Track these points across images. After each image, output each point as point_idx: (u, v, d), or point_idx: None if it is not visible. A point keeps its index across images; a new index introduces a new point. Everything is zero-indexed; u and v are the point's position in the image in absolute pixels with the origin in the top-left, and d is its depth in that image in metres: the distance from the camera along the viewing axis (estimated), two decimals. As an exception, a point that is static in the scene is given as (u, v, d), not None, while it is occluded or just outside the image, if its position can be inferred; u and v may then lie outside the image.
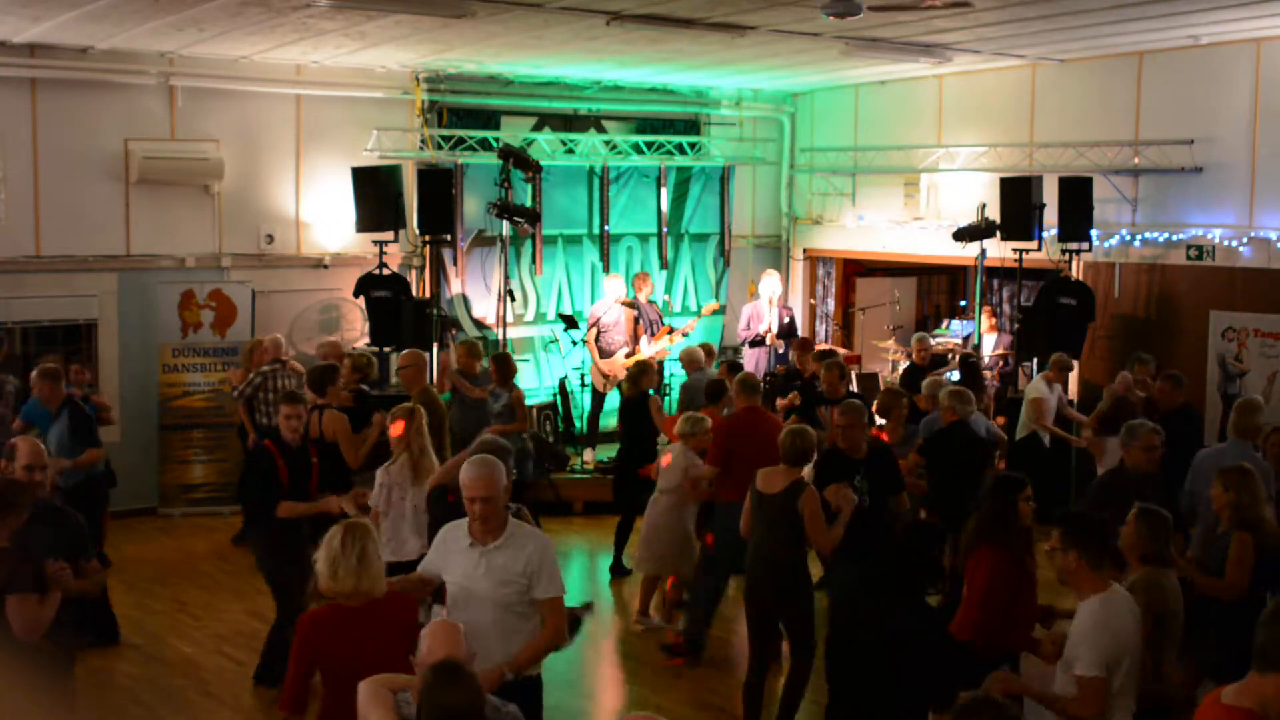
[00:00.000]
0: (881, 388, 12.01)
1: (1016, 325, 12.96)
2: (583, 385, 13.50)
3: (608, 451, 12.54)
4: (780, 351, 13.55)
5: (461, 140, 13.36)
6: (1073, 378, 12.11)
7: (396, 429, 7.64)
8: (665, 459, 9.07)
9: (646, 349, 13.12)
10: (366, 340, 12.74)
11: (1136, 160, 12.16)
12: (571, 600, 5.60)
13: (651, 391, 10.59)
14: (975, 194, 13.24)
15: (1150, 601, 5.19)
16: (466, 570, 5.17)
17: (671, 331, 13.60)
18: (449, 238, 13.17)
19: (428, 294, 13.40)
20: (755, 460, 7.32)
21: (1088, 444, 10.50)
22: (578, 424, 13.72)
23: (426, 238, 13.15)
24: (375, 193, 12.42)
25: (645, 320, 13.49)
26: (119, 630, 8.68)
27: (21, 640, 5.26)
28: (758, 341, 13.62)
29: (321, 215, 13.04)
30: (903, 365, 12.87)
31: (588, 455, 13.05)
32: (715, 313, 14.72)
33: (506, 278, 12.85)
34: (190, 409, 12.17)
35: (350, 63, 12.51)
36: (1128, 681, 4.78)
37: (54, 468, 7.51)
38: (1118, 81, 12.37)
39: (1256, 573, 6.11)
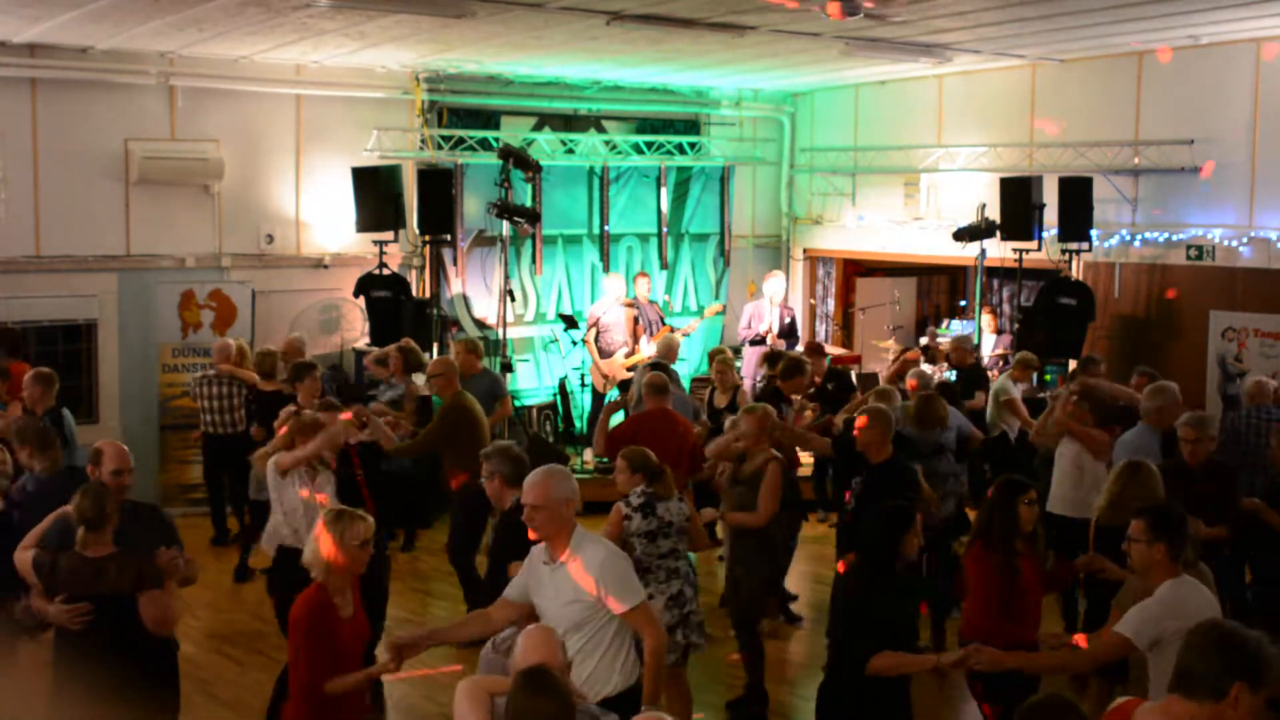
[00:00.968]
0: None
1: (1016, 325, 12.96)
2: (583, 385, 13.50)
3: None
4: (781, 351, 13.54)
5: (461, 140, 13.37)
6: (1072, 378, 12.10)
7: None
8: None
9: (646, 349, 13.12)
10: (366, 340, 12.75)
11: (1136, 160, 12.16)
12: None
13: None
14: (975, 194, 13.24)
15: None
16: (543, 590, 5.00)
17: (673, 331, 13.60)
18: (449, 238, 13.18)
19: (428, 294, 13.41)
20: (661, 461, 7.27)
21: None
22: (578, 424, 13.72)
23: (426, 238, 13.15)
24: (375, 193, 12.42)
25: (645, 320, 13.49)
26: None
27: (156, 634, 5.37)
28: (758, 341, 13.62)
29: (321, 215, 13.05)
30: (944, 372, 12.36)
31: (588, 455, 13.04)
32: (717, 314, 14.73)
33: (506, 278, 12.86)
34: (190, 409, 12.11)
35: (350, 63, 12.51)
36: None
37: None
38: (1118, 81, 12.38)
39: None
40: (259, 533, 10.92)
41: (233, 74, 12.25)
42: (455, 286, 13.53)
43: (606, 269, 14.41)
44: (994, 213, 12.46)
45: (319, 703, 4.78)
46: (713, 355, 11.55)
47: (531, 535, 5.01)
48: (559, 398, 13.86)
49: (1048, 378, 12.50)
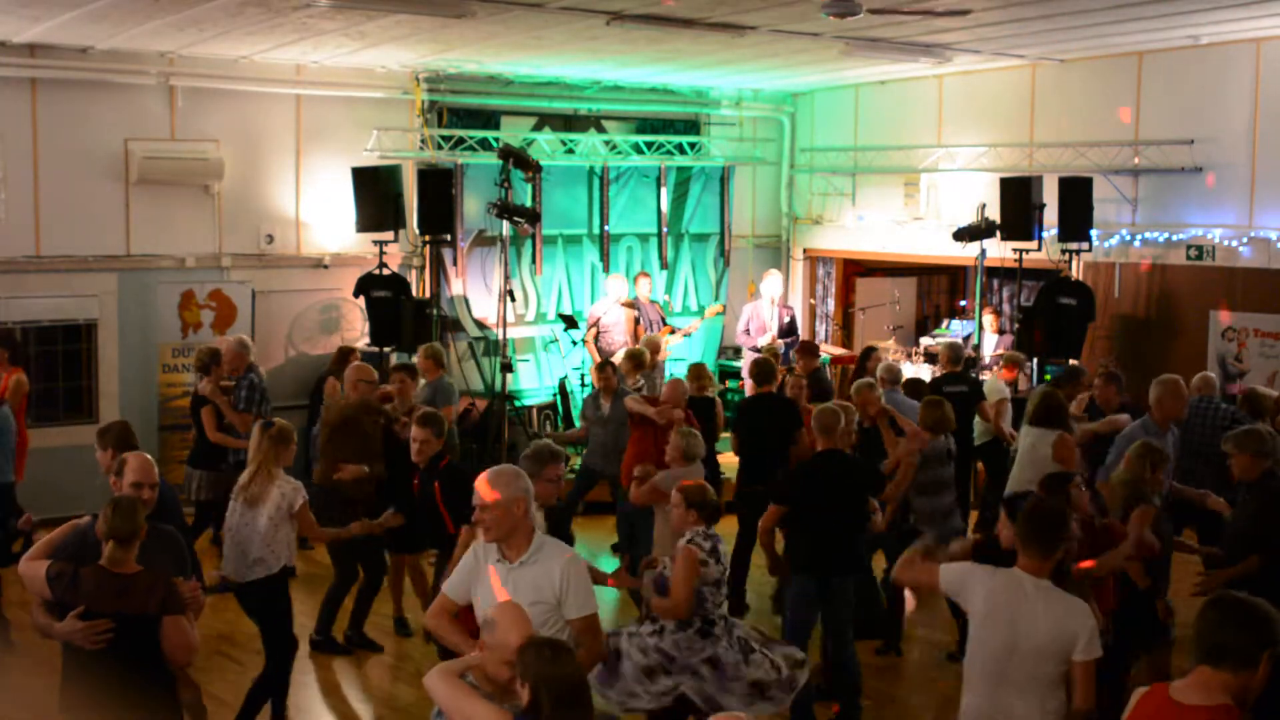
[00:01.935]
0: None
1: (1016, 325, 12.96)
2: (583, 385, 13.50)
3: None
4: (781, 351, 13.52)
5: (461, 140, 13.37)
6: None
7: None
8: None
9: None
10: (366, 341, 12.74)
11: (1136, 160, 12.16)
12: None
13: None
14: (975, 194, 13.24)
15: None
16: (488, 589, 4.89)
17: (673, 332, 13.61)
18: (449, 238, 13.18)
19: (428, 294, 13.41)
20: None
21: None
22: (578, 424, 13.70)
23: (426, 238, 13.15)
24: (375, 193, 12.41)
25: (646, 320, 13.49)
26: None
27: (175, 663, 5.17)
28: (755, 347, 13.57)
29: (321, 215, 13.04)
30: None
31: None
32: (717, 315, 14.72)
33: (507, 278, 12.85)
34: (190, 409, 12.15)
35: (350, 63, 12.51)
36: None
37: None
38: (1118, 81, 12.38)
39: None
40: None
41: (233, 74, 12.25)
42: (455, 286, 13.53)
43: (606, 269, 14.41)
44: (994, 213, 12.45)
45: None
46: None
47: (485, 537, 4.92)
48: (559, 398, 13.86)
49: (1047, 376, 12.48)
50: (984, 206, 12.69)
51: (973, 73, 13.52)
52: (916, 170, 14.30)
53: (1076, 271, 12.45)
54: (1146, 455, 6.88)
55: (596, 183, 14.52)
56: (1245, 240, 11.45)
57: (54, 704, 5.27)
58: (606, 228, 14.55)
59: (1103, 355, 12.40)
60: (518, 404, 13.24)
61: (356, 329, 13.19)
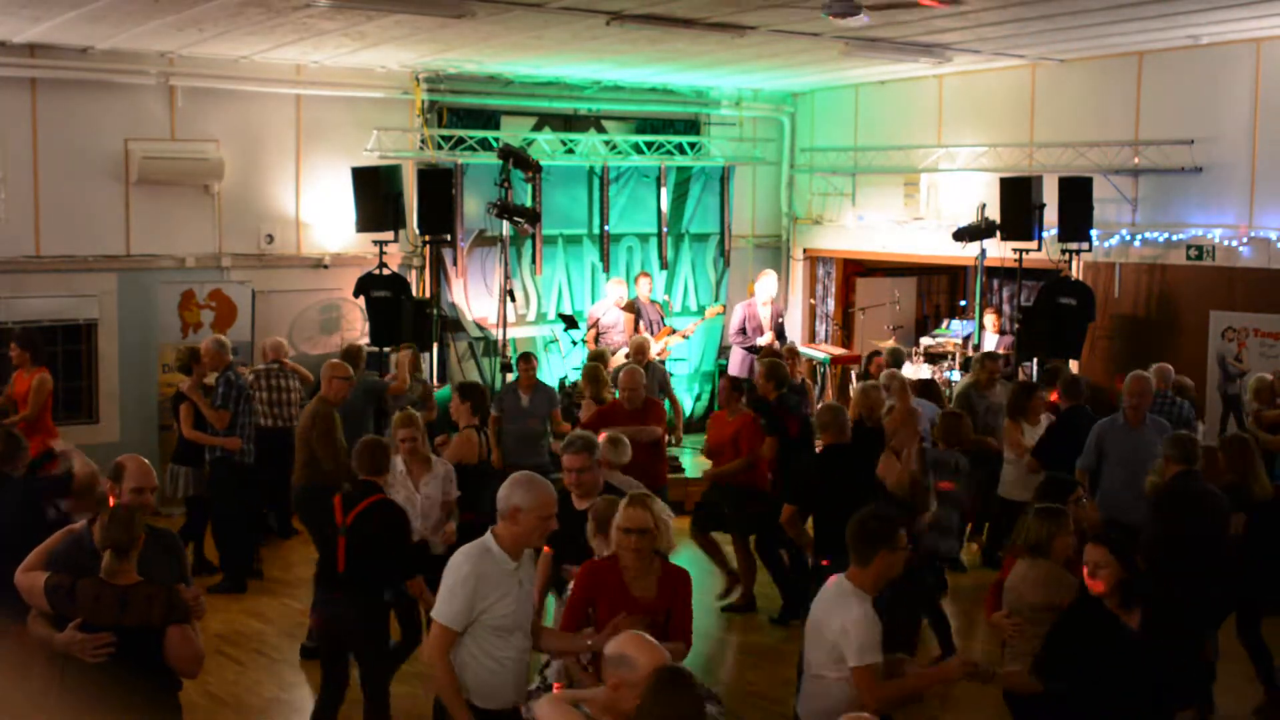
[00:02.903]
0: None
1: (1016, 325, 12.96)
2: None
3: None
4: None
5: (461, 140, 13.36)
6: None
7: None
8: None
9: (654, 348, 13.09)
10: (366, 341, 12.74)
11: (1136, 160, 12.16)
12: None
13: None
14: (975, 194, 13.24)
15: None
16: (507, 589, 4.85)
17: (673, 332, 13.60)
18: (449, 238, 13.18)
19: (428, 294, 13.41)
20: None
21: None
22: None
23: (426, 238, 13.15)
24: (375, 193, 12.41)
25: (645, 320, 13.49)
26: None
27: (182, 674, 5.05)
28: (754, 350, 13.54)
29: (321, 215, 13.04)
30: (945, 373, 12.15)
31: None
32: (717, 315, 14.71)
33: (507, 278, 12.86)
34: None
35: (350, 63, 12.51)
36: None
37: None
38: (1118, 81, 12.37)
39: None
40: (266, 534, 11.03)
41: (233, 74, 12.25)
42: (455, 287, 13.53)
43: (607, 269, 14.41)
44: (994, 213, 12.46)
45: None
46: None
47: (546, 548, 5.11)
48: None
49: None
50: (984, 206, 12.70)
51: (973, 73, 13.51)
52: (916, 170, 14.30)
53: (1076, 271, 12.45)
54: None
55: (596, 183, 14.52)
56: (1245, 240, 11.45)
57: (36, 710, 5.05)
58: (606, 228, 14.55)
59: (1102, 355, 12.42)
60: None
61: (356, 329, 13.19)
